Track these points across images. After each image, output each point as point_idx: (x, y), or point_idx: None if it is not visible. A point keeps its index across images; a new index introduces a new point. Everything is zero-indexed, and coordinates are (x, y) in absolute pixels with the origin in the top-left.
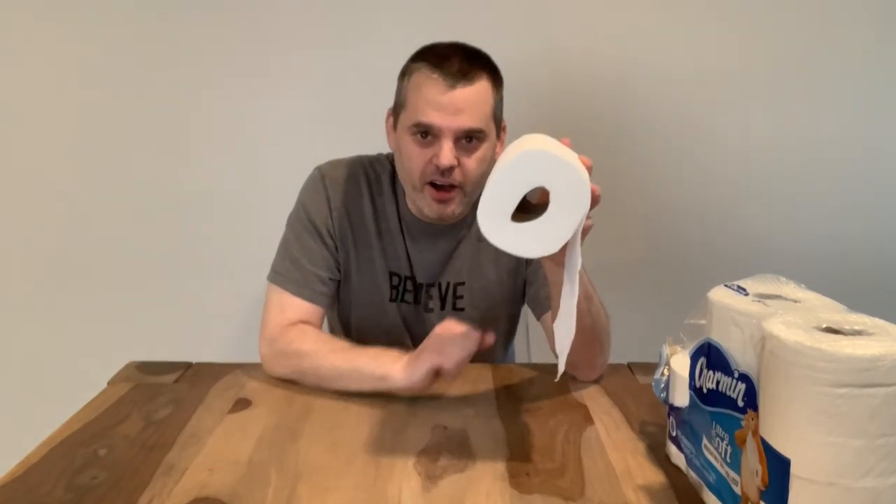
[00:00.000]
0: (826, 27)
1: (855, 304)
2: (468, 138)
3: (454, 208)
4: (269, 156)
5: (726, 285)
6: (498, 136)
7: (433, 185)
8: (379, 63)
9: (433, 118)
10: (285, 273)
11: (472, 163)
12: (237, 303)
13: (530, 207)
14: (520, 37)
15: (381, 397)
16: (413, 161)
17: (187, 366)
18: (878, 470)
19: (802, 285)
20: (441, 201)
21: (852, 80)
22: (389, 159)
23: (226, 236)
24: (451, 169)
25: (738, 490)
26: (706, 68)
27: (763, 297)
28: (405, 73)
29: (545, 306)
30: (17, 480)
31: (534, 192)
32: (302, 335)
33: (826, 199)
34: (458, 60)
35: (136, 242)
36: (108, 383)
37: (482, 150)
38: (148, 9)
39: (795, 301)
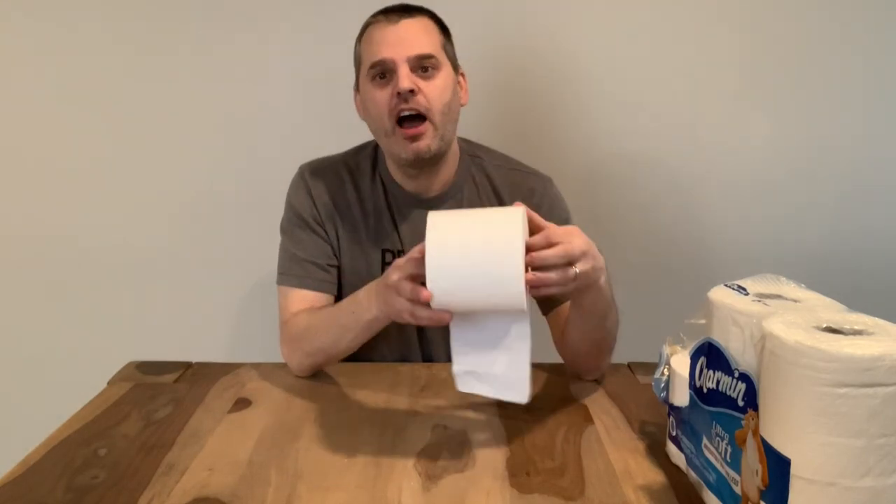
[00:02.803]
0: (826, 27)
1: (855, 304)
2: (423, 68)
3: (428, 143)
4: (269, 156)
5: (726, 285)
6: (457, 74)
7: (401, 123)
8: None
9: (384, 52)
10: (287, 271)
11: (433, 89)
12: (237, 303)
13: None
14: (522, 37)
15: (381, 397)
16: (378, 103)
17: (187, 366)
18: (878, 470)
19: (802, 285)
20: (413, 138)
21: (853, 80)
22: (370, 144)
23: (225, 236)
24: (412, 93)
25: (738, 490)
26: (707, 67)
27: (763, 296)
28: (358, 37)
29: (552, 303)
30: (17, 480)
31: None
32: (297, 319)
33: (826, 198)
34: (400, 4)
35: (136, 242)
36: (108, 383)
37: (441, 79)
38: (143, 7)
39: (795, 301)
